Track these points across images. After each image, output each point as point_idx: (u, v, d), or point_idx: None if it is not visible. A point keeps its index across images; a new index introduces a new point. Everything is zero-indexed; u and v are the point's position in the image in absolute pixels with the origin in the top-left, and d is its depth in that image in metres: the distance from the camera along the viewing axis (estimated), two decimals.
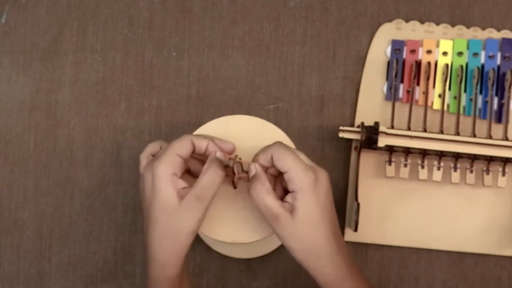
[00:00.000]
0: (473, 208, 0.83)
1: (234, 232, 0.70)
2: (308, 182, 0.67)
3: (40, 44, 0.84)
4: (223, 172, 0.68)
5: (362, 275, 0.71)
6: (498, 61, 0.84)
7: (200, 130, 0.73)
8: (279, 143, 0.69)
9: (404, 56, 0.84)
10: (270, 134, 0.73)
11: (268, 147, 0.69)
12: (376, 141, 0.79)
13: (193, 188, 0.66)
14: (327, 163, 0.83)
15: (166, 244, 0.67)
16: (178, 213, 0.66)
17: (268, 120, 0.84)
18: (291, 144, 0.72)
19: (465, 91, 0.83)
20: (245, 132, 0.73)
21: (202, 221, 0.67)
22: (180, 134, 0.83)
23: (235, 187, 0.70)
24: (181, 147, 0.68)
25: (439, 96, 0.83)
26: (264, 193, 0.67)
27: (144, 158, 0.73)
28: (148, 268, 0.69)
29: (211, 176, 0.67)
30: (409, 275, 0.84)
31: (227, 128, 0.73)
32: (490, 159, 0.81)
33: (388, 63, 0.84)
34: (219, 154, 0.69)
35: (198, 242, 0.83)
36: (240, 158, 0.70)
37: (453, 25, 0.85)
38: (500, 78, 0.83)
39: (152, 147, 0.73)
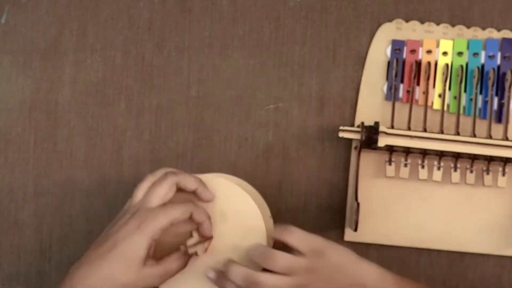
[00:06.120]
0: (473, 208, 0.83)
1: None
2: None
3: (40, 44, 0.84)
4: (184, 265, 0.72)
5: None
6: (498, 61, 0.84)
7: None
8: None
9: (404, 56, 0.84)
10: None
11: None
12: (376, 141, 0.79)
13: (159, 266, 0.70)
14: (327, 163, 0.83)
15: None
16: (138, 274, 0.68)
17: (268, 120, 0.84)
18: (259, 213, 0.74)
19: (465, 91, 0.83)
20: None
21: None
22: (180, 134, 0.84)
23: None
24: (179, 217, 0.70)
25: (439, 96, 0.83)
26: None
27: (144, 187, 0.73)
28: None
29: (178, 266, 0.71)
30: (409, 275, 0.83)
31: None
32: (490, 159, 0.81)
33: (388, 63, 0.84)
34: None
35: None
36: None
37: (453, 25, 0.85)
38: (500, 78, 0.83)
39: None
